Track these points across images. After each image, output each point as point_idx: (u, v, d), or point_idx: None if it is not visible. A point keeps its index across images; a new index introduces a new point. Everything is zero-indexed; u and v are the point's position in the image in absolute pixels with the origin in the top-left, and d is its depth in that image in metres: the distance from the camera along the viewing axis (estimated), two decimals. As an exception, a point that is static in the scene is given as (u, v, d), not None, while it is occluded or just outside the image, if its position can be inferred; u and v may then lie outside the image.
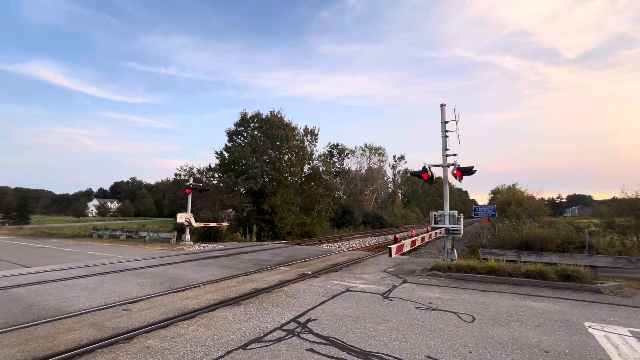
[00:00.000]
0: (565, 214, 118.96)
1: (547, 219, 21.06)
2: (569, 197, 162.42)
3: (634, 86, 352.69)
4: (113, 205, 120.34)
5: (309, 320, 5.55)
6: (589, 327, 5.34)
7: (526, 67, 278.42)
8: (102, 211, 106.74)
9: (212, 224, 22.42)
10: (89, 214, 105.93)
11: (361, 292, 7.67)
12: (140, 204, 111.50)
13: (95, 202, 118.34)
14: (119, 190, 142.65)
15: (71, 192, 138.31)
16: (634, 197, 15.32)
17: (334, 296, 7.21)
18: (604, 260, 9.55)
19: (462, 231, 10.98)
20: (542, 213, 21.85)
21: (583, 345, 4.60)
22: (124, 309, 6.20)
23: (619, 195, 17.25)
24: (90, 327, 5.21)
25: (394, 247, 9.08)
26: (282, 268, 11.15)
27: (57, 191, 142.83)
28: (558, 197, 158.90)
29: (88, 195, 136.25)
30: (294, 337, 4.77)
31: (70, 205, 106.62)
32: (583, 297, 7.36)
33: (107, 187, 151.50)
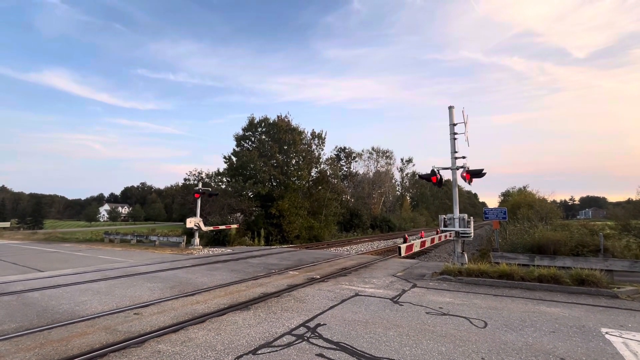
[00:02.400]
0: (578, 217, 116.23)
1: (560, 221, 20.58)
2: (582, 199, 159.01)
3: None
4: (124, 209, 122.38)
5: (319, 325, 5.53)
6: (606, 333, 5.19)
7: (534, 67, 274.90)
8: (113, 216, 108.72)
9: (221, 227, 22.55)
10: (101, 219, 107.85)
11: (370, 296, 7.62)
12: (150, 209, 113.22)
13: (106, 207, 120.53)
14: (129, 195, 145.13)
15: (83, 198, 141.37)
16: (650, 198, 14.94)
17: (343, 301, 7.17)
18: (620, 264, 9.29)
19: (472, 234, 10.84)
20: (555, 215, 21.39)
21: (600, 352, 4.47)
22: (135, 313, 6.27)
23: (634, 196, 16.87)
24: (102, 331, 5.28)
25: (403, 246, 9.00)
26: (291, 272, 11.15)
27: (70, 196, 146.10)
28: (571, 199, 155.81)
29: (99, 200, 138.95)
30: (304, 342, 4.75)
31: (82, 210, 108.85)
32: (599, 302, 7.17)
33: (118, 192, 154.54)
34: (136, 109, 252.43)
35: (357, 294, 7.80)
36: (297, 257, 15.75)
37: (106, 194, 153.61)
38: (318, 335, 5.02)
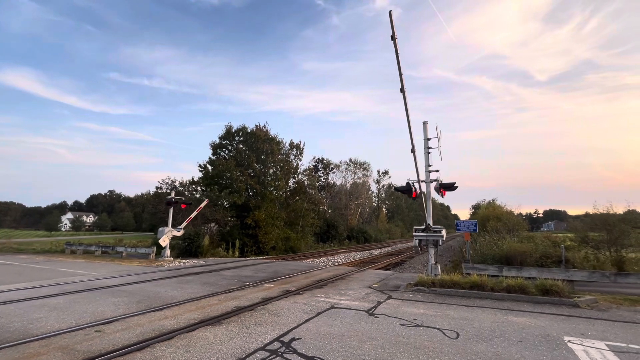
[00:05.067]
0: (542, 229, 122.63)
1: (526, 233, 21.59)
2: (546, 212, 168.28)
3: (599, 108, 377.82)
4: (89, 219, 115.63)
5: (293, 339, 5.41)
6: (569, 341, 5.44)
7: (501, 87, 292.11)
8: (77, 225, 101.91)
9: (193, 215, 21.62)
10: (62, 228, 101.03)
11: (346, 309, 7.58)
12: (118, 218, 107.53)
13: (69, 215, 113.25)
14: (95, 204, 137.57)
15: (44, 205, 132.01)
16: (604, 212, 16.01)
17: (318, 313, 7.08)
18: (580, 275, 9.87)
19: (444, 237, 11.12)
20: (521, 228, 22.40)
21: (563, 360, 4.68)
22: (96, 331, 5.86)
23: (591, 210, 18.00)
24: (58, 351, 4.88)
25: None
26: (266, 284, 10.91)
27: (29, 204, 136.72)
28: (535, 212, 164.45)
29: (62, 208, 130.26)
30: (277, 358, 4.62)
31: (42, 218, 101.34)
32: (562, 311, 7.54)
33: (83, 200, 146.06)
34: (107, 113, 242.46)
35: (332, 307, 7.74)
36: (273, 268, 15.46)
37: (70, 202, 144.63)
38: (292, 350, 4.90)
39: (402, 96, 9.86)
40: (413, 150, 10.56)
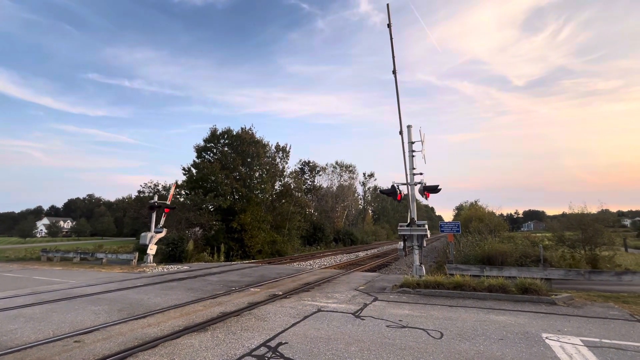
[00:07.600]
0: (522, 229, 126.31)
1: (507, 233, 22.27)
2: (525, 213, 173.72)
3: (574, 112, 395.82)
4: (66, 224, 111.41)
5: (280, 344, 5.40)
6: (546, 338, 5.66)
7: (482, 92, 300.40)
8: (54, 231, 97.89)
9: (170, 208, 21.07)
10: (38, 235, 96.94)
11: (333, 311, 7.61)
12: (98, 223, 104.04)
13: (45, 221, 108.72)
14: (73, 208, 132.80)
15: (17, 210, 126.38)
16: (579, 212, 16.68)
17: (305, 317, 7.09)
18: (557, 273, 10.26)
19: (428, 234, 11.33)
20: (502, 228, 23.09)
21: (541, 356, 4.86)
22: (75, 341, 5.67)
23: (567, 210, 18.71)
24: (35, 364, 4.70)
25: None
26: (252, 289, 10.82)
27: (1, 209, 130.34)
28: (515, 213, 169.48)
29: (37, 213, 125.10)
30: (264, 363, 4.60)
31: (15, 224, 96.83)
32: (540, 309, 7.81)
33: (60, 205, 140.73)
34: (86, 115, 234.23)
35: (319, 310, 7.76)
36: (259, 273, 15.34)
37: (46, 207, 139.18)
38: (279, 355, 4.89)
39: (393, 77, 11.65)
40: (401, 132, 11.26)
